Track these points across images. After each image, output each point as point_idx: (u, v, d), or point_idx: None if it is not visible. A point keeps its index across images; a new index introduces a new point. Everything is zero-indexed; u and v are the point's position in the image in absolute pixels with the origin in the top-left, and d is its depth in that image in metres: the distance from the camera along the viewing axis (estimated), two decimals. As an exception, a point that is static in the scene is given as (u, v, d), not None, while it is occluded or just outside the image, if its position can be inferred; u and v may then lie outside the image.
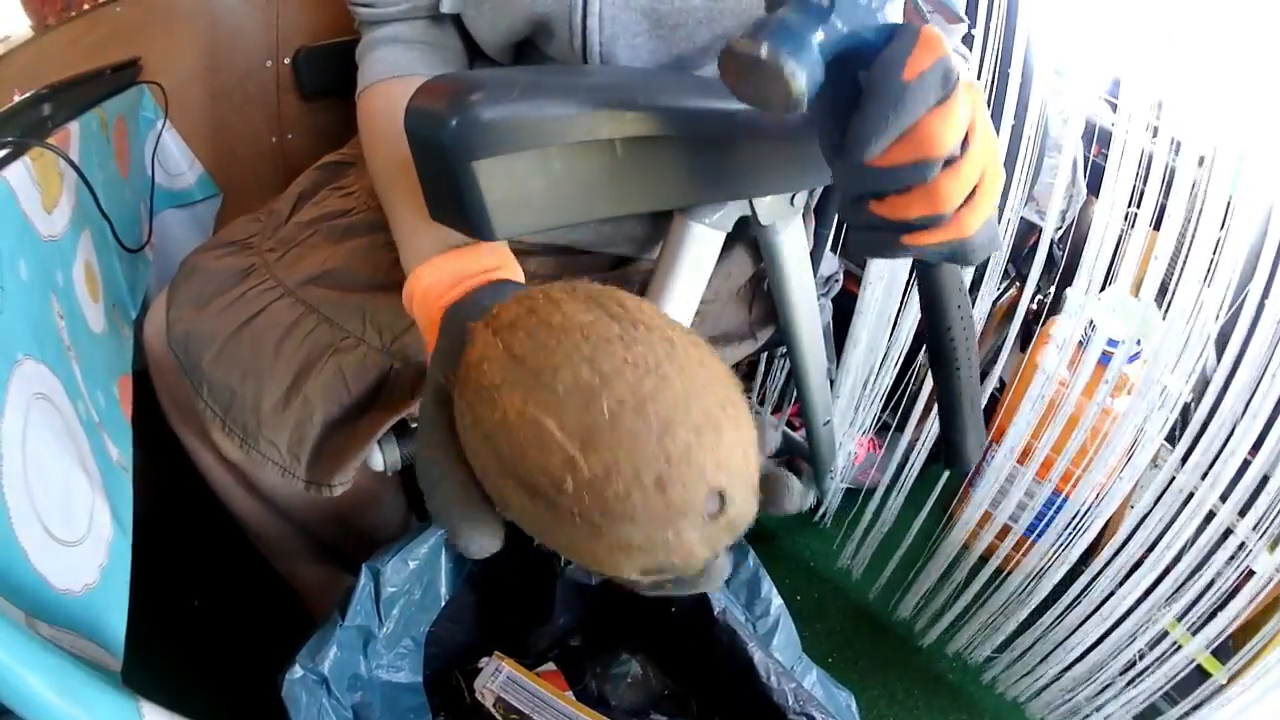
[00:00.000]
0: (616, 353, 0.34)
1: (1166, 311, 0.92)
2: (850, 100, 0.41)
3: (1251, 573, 0.93)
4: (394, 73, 0.68)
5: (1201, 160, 0.87)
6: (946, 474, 1.20)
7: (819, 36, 0.40)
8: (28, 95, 0.67)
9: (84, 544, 0.52)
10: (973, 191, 0.44)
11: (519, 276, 0.53)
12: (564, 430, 0.32)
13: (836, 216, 0.97)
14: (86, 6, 0.83)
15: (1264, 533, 0.91)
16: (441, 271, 0.52)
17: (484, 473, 0.37)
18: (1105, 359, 1.02)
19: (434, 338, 0.48)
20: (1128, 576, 1.02)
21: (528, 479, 0.34)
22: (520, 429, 0.33)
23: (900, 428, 1.24)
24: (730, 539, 0.36)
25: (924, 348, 1.16)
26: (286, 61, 1.03)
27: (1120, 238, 0.93)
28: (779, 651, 0.80)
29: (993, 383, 1.18)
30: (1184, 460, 0.95)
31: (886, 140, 0.40)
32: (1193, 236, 0.88)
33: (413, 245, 0.56)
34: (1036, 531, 1.15)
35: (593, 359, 0.33)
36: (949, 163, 0.42)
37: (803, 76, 0.39)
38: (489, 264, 0.52)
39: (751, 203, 0.68)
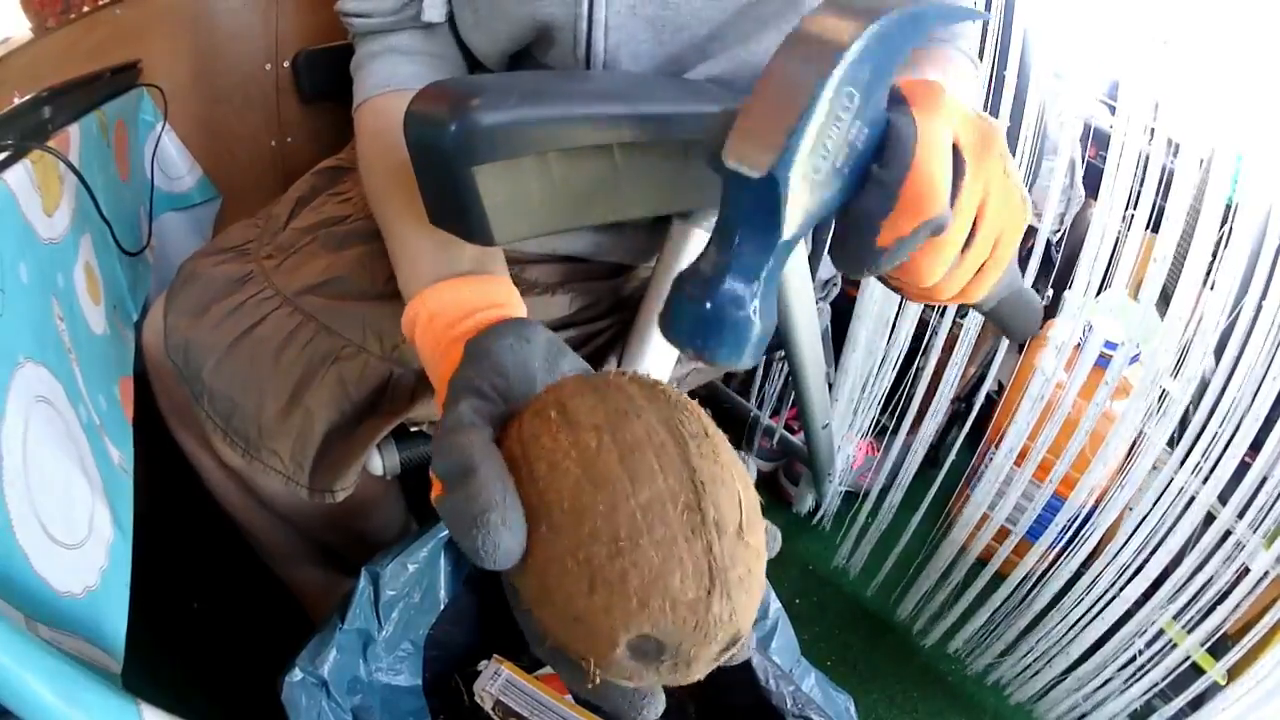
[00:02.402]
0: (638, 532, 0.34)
1: (1165, 314, 0.92)
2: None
3: (1248, 570, 0.93)
4: (389, 86, 0.68)
5: (1201, 162, 0.88)
6: (942, 475, 1.20)
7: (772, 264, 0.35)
8: (28, 98, 0.67)
9: (84, 547, 0.52)
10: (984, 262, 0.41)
11: (524, 312, 0.53)
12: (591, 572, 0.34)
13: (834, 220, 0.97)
14: (86, 9, 0.83)
15: (1260, 529, 0.92)
16: (451, 298, 0.52)
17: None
18: (1103, 361, 1.03)
19: (448, 364, 0.47)
20: (1130, 577, 1.03)
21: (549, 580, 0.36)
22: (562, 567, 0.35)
23: (898, 430, 1.24)
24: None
25: (924, 347, 1.17)
26: (286, 65, 1.03)
27: (1118, 240, 0.94)
28: (777, 654, 0.80)
29: (990, 385, 1.18)
30: (1182, 462, 0.96)
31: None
32: (1191, 239, 0.88)
33: (413, 270, 0.57)
34: (1035, 533, 1.15)
35: (615, 538, 0.34)
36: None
37: (749, 348, 0.35)
38: (499, 298, 0.52)
39: (750, 207, 0.68)
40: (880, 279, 0.42)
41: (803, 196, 0.34)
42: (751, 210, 0.34)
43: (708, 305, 0.35)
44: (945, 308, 1.10)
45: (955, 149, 0.37)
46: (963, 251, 0.39)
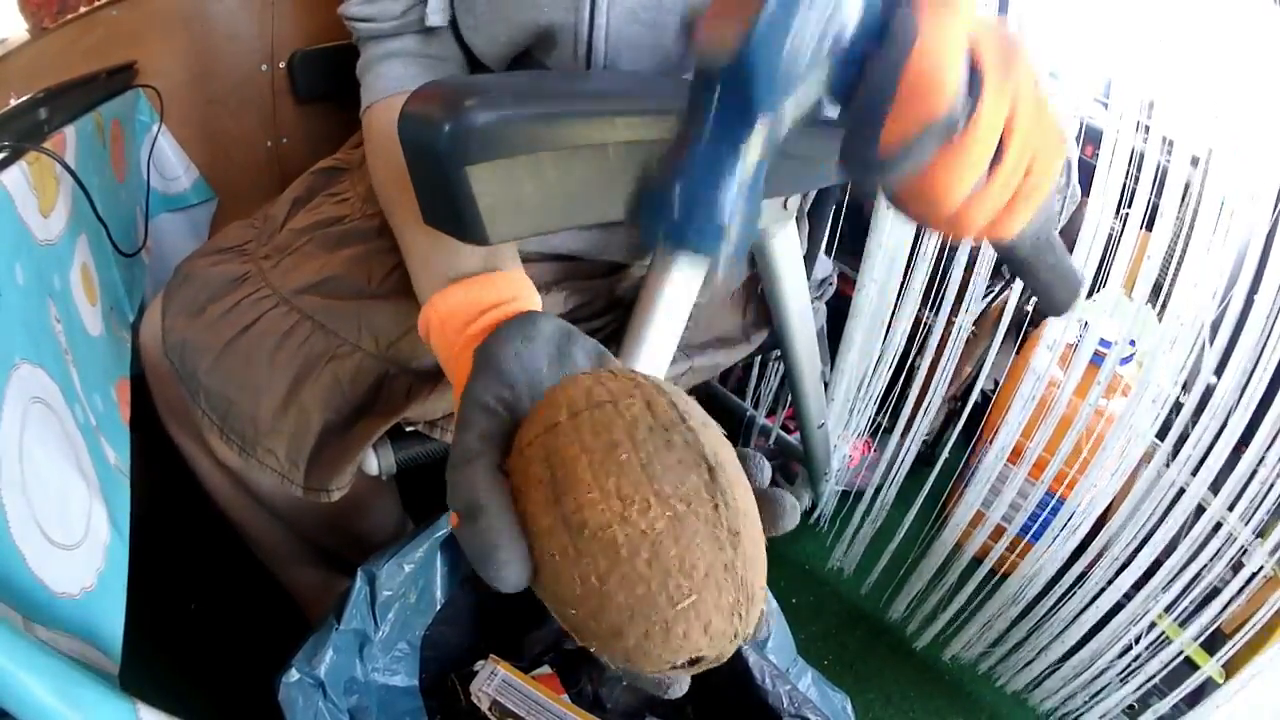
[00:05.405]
0: (637, 539, 0.35)
1: (1161, 312, 0.93)
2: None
3: (1242, 565, 0.94)
4: (397, 88, 0.68)
5: (1194, 160, 0.88)
6: (936, 474, 1.21)
7: (755, 155, 0.32)
8: (24, 99, 0.67)
9: (81, 548, 0.52)
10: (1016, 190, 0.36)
11: (536, 304, 0.53)
12: (583, 585, 0.36)
13: (830, 220, 0.97)
14: (83, 10, 0.83)
15: (1252, 524, 0.92)
16: (460, 300, 0.52)
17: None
18: (1098, 359, 1.03)
19: (462, 370, 0.47)
20: (1121, 570, 1.03)
21: (553, 590, 0.38)
22: (553, 567, 0.37)
23: (894, 429, 1.24)
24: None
25: (919, 347, 1.17)
26: (282, 65, 1.04)
27: (1112, 237, 0.94)
28: (774, 654, 0.80)
29: (985, 384, 1.18)
30: (1174, 454, 0.96)
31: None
32: (1186, 236, 0.89)
33: (425, 272, 0.56)
34: (1030, 532, 1.15)
35: (614, 550, 0.35)
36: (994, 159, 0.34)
37: (722, 252, 0.33)
38: (508, 293, 0.52)
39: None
40: (902, 209, 0.37)
41: (779, 78, 0.31)
42: (725, 94, 0.31)
43: (676, 190, 0.32)
44: (940, 306, 1.10)
45: (973, 62, 0.32)
46: (990, 171, 0.34)
